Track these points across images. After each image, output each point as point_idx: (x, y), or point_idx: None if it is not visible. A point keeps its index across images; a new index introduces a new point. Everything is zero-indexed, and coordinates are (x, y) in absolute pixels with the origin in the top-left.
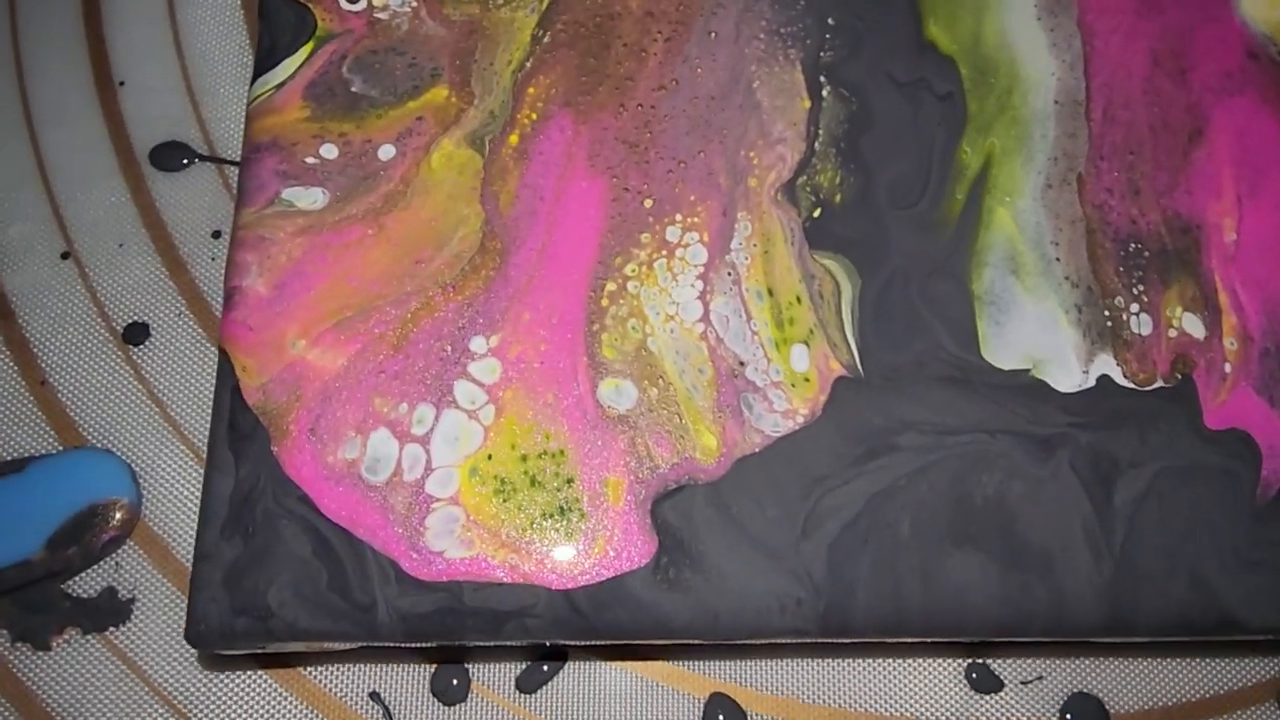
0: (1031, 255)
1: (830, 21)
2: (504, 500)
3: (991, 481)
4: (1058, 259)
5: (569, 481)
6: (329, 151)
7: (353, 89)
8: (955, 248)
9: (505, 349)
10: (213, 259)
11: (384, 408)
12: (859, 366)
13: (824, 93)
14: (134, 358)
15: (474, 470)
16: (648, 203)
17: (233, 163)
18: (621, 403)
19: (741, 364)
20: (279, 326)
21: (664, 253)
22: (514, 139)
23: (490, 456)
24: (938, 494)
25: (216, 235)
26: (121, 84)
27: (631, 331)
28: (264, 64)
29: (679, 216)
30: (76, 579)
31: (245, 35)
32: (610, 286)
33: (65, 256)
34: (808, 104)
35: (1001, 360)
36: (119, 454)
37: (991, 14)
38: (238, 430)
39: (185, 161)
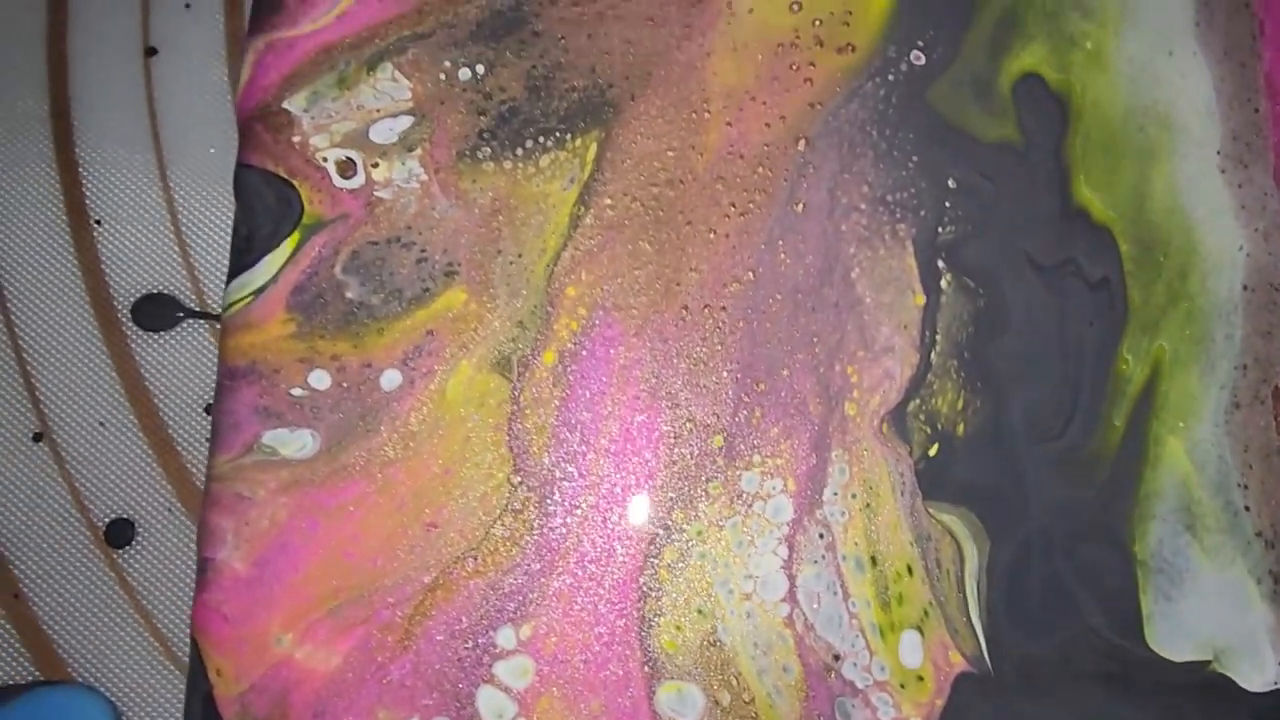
0: (1212, 503)
1: (950, 184)
2: None
3: None
4: (1246, 507)
5: None
6: (319, 380)
7: (348, 294)
8: (1112, 495)
9: (539, 643)
10: (206, 439)
11: None
12: (986, 659)
13: (943, 283)
14: (118, 562)
15: None
16: (717, 440)
17: None
18: (685, 713)
19: (836, 658)
20: (260, 616)
21: (738, 508)
22: (549, 357)
23: None
24: None
25: (210, 410)
26: (98, 223)
27: (698, 617)
28: (240, 261)
29: (757, 458)
30: None
31: None
32: (670, 555)
33: (38, 439)
34: (922, 299)
35: (1173, 649)
36: (101, 685)
37: (1160, 165)
38: None
39: (179, 315)
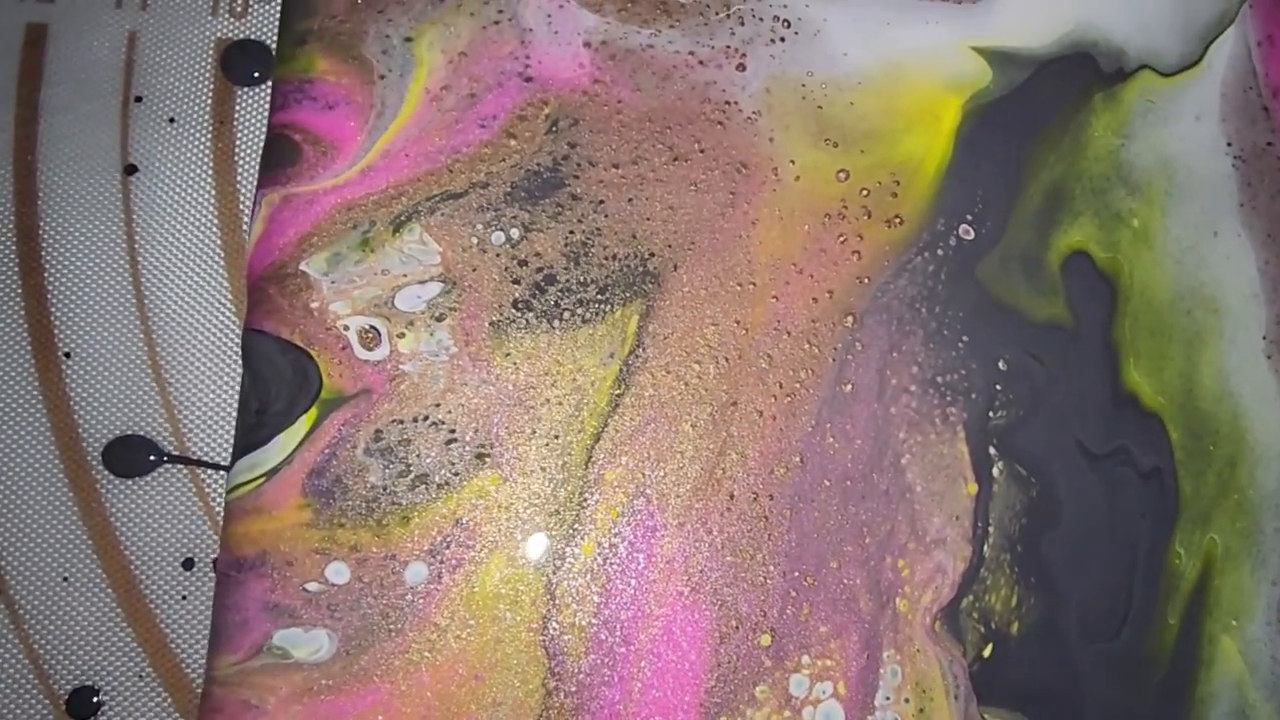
0: (1266, 707)
1: (1001, 365)
2: None
3: None
4: None
5: None
6: (338, 574)
7: (370, 479)
8: (1168, 699)
9: None
10: (184, 598)
11: None
12: None
13: (995, 470)
14: None
15: None
16: (765, 638)
17: (211, 465)
18: None
19: None
20: None
21: (787, 714)
22: (587, 548)
23: None
24: None
25: (189, 565)
26: (67, 355)
27: None
28: (249, 438)
29: (806, 659)
30: None
31: (227, 289)
32: None
33: None
34: (974, 488)
35: None
36: None
37: (1208, 351)
38: None
39: (155, 460)
